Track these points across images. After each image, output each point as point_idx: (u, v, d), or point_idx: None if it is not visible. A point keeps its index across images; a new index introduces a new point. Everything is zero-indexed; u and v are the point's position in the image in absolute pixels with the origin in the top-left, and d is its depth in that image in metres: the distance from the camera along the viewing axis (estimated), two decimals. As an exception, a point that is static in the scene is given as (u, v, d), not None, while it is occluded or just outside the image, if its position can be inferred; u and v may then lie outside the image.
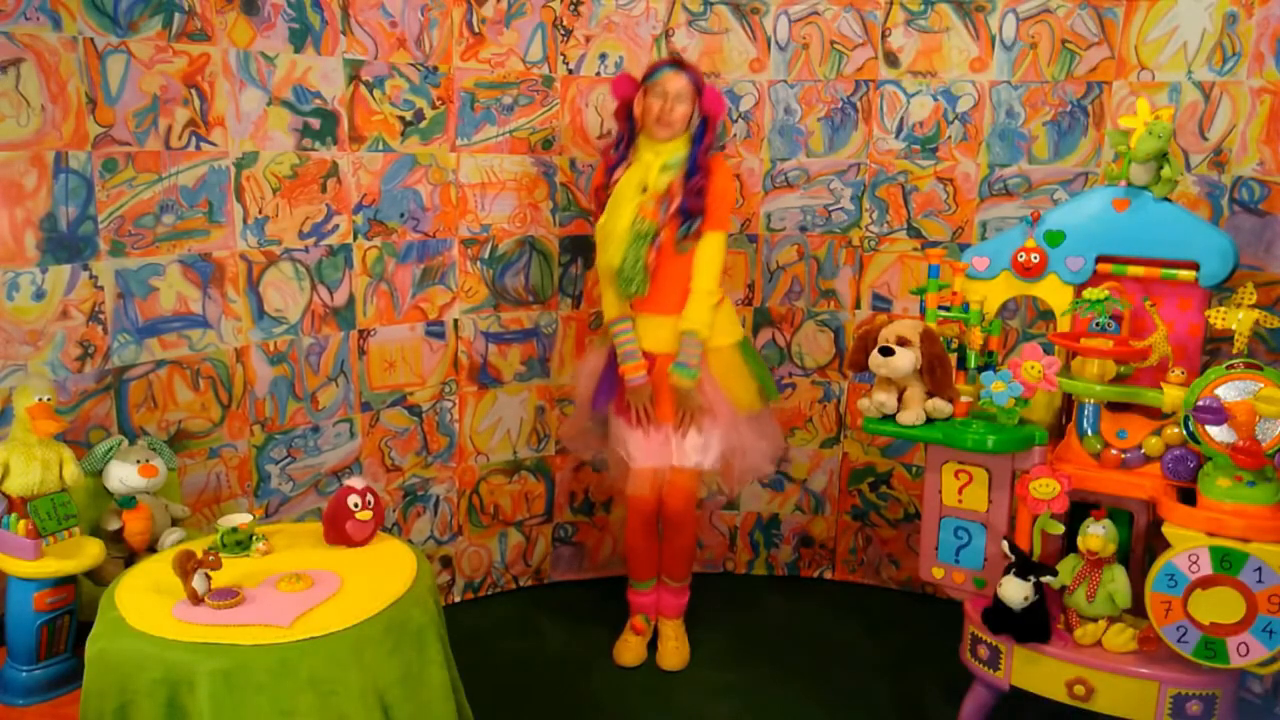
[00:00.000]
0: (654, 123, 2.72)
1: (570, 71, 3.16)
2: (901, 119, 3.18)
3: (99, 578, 2.17)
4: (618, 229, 2.73)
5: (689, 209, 2.71)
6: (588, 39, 3.16)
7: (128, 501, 2.26)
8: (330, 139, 2.80)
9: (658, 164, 2.72)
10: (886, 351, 2.37)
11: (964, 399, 2.42)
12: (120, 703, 1.77)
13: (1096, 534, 2.24)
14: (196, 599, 1.88)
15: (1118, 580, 2.26)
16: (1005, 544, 2.30)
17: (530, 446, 3.35)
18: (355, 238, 2.90)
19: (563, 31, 3.13)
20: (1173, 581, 2.09)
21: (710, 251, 2.76)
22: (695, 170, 2.72)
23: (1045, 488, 2.27)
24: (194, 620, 1.83)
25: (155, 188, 2.50)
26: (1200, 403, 2.09)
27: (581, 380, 3.00)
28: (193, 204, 2.58)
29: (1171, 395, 2.20)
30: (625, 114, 2.79)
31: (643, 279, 2.73)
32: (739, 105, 3.25)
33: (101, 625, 1.85)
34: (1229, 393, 2.09)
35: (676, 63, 2.76)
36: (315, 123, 2.76)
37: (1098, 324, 2.35)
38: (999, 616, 2.29)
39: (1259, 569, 2.02)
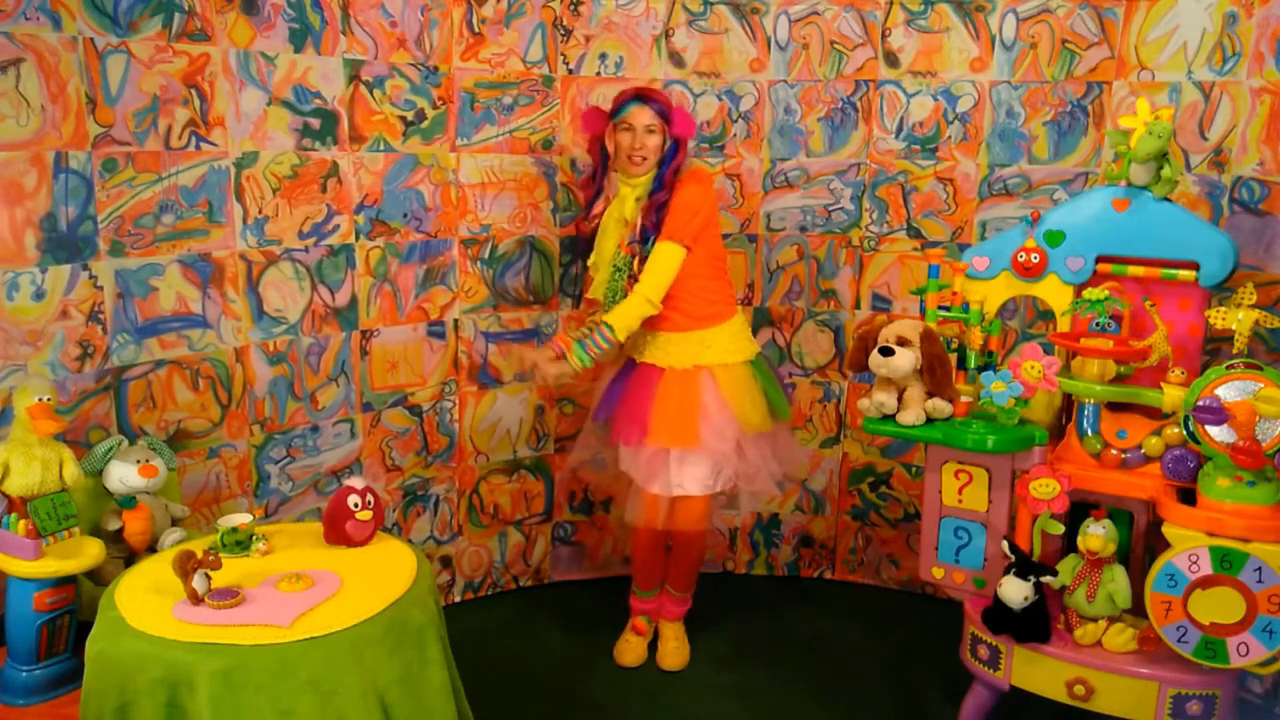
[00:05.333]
0: (626, 159, 2.74)
1: (570, 71, 3.16)
2: (901, 119, 3.18)
3: (99, 578, 2.17)
4: (603, 263, 2.81)
5: (649, 225, 2.72)
6: (588, 39, 3.16)
7: (128, 501, 2.26)
8: (330, 139, 2.80)
9: (632, 196, 2.77)
10: (886, 351, 2.37)
11: (964, 399, 2.42)
12: (120, 703, 1.77)
13: (1096, 534, 2.24)
14: (196, 599, 1.88)
15: (1118, 580, 2.26)
16: (1005, 544, 2.30)
17: (530, 446, 3.35)
18: (357, 238, 2.90)
19: (563, 31, 3.13)
20: (1173, 581, 2.09)
21: (658, 257, 2.68)
22: (659, 188, 2.73)
23: (1045, 488, 2.27)
24: (194, 620, 1.83)
25: (155, 188, 2.50)
26: (1200, 403, 2.09)
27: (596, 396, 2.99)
28: (192, 204, 2.58)
29: (1171, 395, 2.20)
30: (598, 148, 2.83)
31: None
32: (739, 105, 3.25)
33: (101, 625, 1.85)
34: (1229, 393, 2.09)
35: (641, 96, 2.75)
36: (315, 123, 2.76)
37: (1098, 324, 2.35)
38: (999, 616, 2.29)
39: (1259, 569, 2.02)
